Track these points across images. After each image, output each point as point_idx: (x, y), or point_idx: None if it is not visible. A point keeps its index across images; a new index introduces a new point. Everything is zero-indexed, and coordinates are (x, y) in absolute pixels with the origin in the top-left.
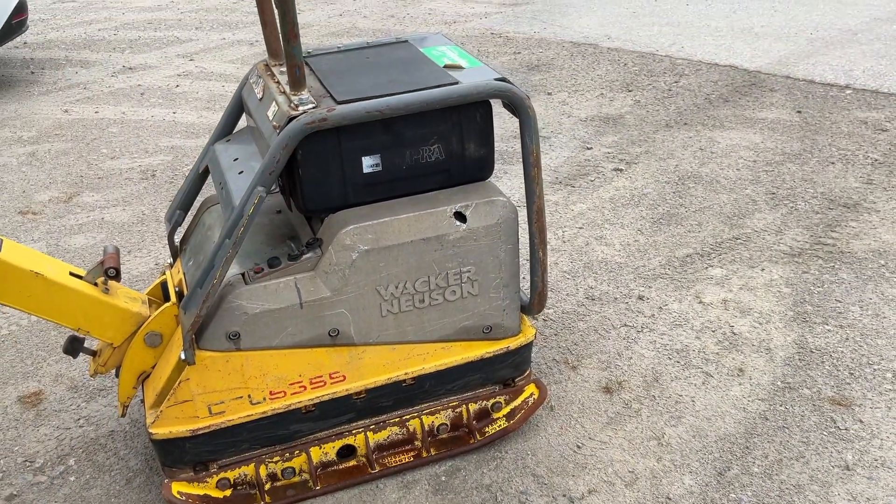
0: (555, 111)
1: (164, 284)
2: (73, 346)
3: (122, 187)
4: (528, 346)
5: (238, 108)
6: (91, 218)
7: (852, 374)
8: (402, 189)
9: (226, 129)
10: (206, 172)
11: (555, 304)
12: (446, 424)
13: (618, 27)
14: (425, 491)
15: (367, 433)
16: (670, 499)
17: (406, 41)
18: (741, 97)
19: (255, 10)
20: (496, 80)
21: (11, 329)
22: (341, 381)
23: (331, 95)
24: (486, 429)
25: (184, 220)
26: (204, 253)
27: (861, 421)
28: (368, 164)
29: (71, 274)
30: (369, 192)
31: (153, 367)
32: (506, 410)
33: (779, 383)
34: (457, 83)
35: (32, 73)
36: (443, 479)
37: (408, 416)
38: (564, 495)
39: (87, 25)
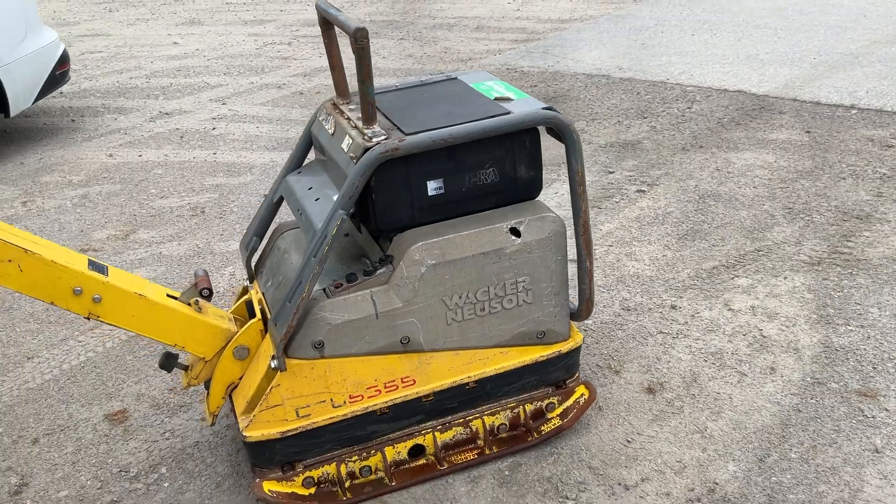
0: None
1: (248, 303)
2: (168, 362)
3: (175, 224)
4: (577, 350)
5: (307, 143)
6: (149, 253)
7: (875, 368)
8: (462, 209)
9: (297, 163)
10: (279, 202)
11: (594, 316)
12: (505, 424)
13: (628, 59)
14: (491, 484)
15: (435, 433)
16: (717, 483)
17: (455, 78)
18: (752, 120)
19: (279, 55)
20: (543, 108)
21: (89, 355)
22: (412, 384)
23: (398, 128)
24: (542, 427)
25: (259, 245)
26: (282, 273)
27: (886, 409)
28: (433, 187)
29: (167, 295)
30: (433, 212)
31: (240, 379)
32: (559, 410)
33: (808, 379)
34: (509, 113)
35: (73, 120)
36: (506, 473)
37: (471, 417)
38: (620, 484)
39: (119, 74)
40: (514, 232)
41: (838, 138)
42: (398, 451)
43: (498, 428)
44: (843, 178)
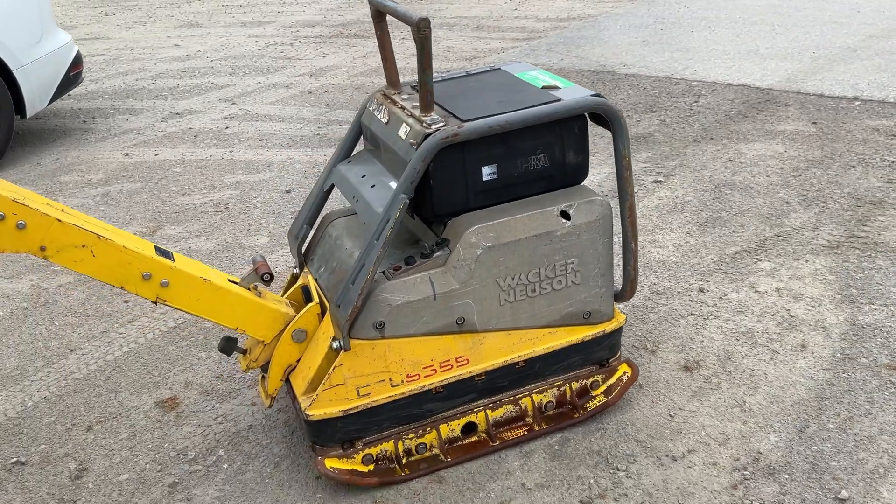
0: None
1: (304, 288)
2: (228, 345)
3: (200, 220)
4: (620, 330)
5: (357, 132)
6: (178, 248)
7: None
8: (514, 193)
9: (346, 152)
10: (329, 190)
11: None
12: (553, 402)
13: (631, 55)
14: (543, 458)
15: (487, 411)
16: (761, 453)
17: (499, 69)
18: (758, 112)
19: (282, 56)
20: (592, 96)
21: (131, 346)
22: (466, 364)
23: (454, 115)
24: (588, 404)
25: (308, 233)
26: (336, 259)
27: None
28: (487, 172)
29: (229, 280)
30: (487, 197)
31: (298, 361)
32: (603, 388)
33: (838, 355)
34: (559, 100)
35: (84, 122)
36: (556, 448)
37: (520, 395)
38: (667, 455)
39: (124, 76)
40: (565, 215)
41: (844, 128)
42: (452, 428)
43: (546, 405)
44: (853, 167)
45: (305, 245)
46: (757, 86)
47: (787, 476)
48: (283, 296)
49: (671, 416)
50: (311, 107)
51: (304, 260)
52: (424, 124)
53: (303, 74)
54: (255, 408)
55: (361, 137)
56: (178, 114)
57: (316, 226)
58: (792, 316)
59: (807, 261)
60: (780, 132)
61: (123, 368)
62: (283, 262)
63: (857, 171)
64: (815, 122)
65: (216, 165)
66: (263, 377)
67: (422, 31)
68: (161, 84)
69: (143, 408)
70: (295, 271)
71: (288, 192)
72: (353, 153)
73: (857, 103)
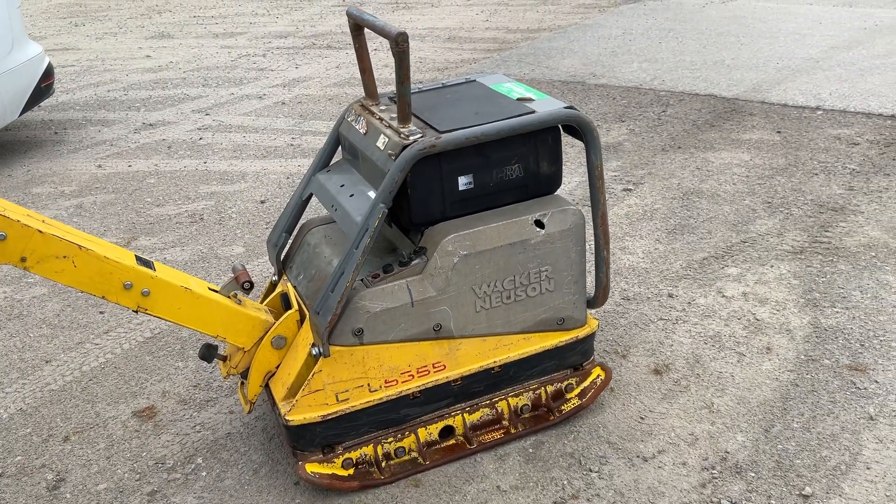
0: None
1: (283, 295)
2: (209, 352)
3: (175, 230)
4: (593, 335)
5: (335, 142)
6: (153, 258)
7: (863, 345)
8: (489, 203)
9: (324, 162)
10: (307, 200)
11: None
12: (528, 405)
13: (600, 66)
14: (518, 461)
15: (464, 415)
16: (728, 452)
17: (475, 80)
18: (725, 122)
19: (255, 67)
20: (565, 108)
21: (108, 357)
22: (442, 369)
23: (432, 127)
24: (563, 407)
25: (287, 241)
26: (315, 267)
27: (876, 381)
28: (463, 182)
29: (209, 289)
30: (463, 206)
31: (277, 367)
32: (577, 391)
33: (802, 357)
34: (534, 112)
35: (56, 133)
36: (530, 450)
37: (496, 399)
38: (638, 456)
39: (95, 88)
40: (539, 224)
41: (807, 137)
42: (430, 432)
43: (521, 408)
44: (816, 174)
45: (284, 253)
46: (723, 96)
47: (753, 474)
48: (261, 303)
49: (642, 418)
50: (284, 118)
51: (282, 268)
52: (402, 135)
53: (276, 85)
54: (233, 416)
55: (339, 147)
56: (151, 125)
57: (294, 234)
58: (758, 319)
59: (772, 266)
60: (745, 141)
61: (100, 379)
62: (259, 271)
63: (819, 179)
64: (779, 131)
65: (190, 176)
66: (243, 383)
67: (400, 45)
68: (133, 95)
69: (120, 418)
70: (273, 279)
71: (262, 202)
72: (332, 163)
73: (820, 113)
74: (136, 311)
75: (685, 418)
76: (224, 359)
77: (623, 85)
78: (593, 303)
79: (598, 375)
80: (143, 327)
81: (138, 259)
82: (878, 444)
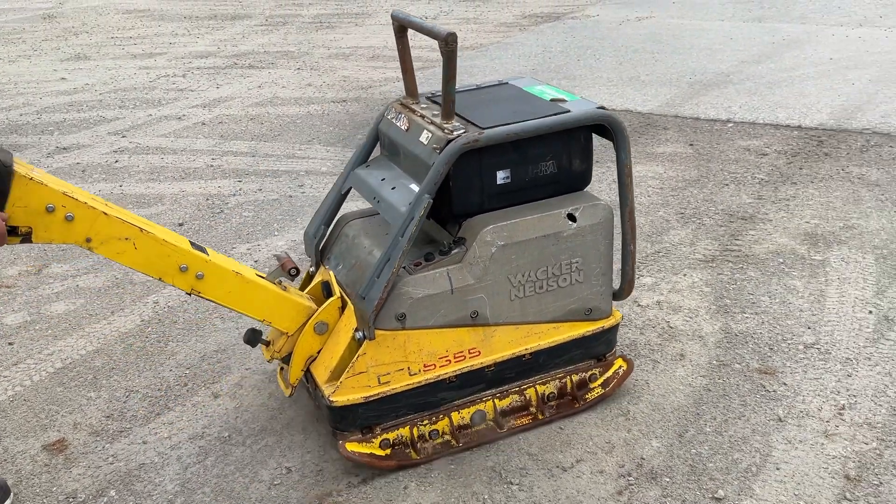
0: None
1: (325, 283)
2: (254, 337)
3: (89, 256)
4: (616, 326)
5: (374, 139)
6: (65, 286)
7: (771, 349)
8: (524, 197)
9: (364, 157)
10: (346, 193)
11: None
12: (555, 392)
13: None
14: (439, 477)
15: (495, 400)
16: (644, 458)
17: (507, 83)
18: (640, 136)
19: (174, 87)
20: (597, 108)
21: (17, 390)
22: (477, 355)
23: (473, 124)
24: (587, 395)
25: (325, 234)
26: (355, 257)
27: (785, 384)
28: (501, 176)
29: (256, 275)
30: (500, 199)
31: (318, 352)
32: (601, 380)
33: (714, 362)
34: (569, 111)
35: None
36: (452, 467)
37: (525, 386)
38: (557, 466)
39: (7, 111)
40: (571, 217)
41: (718, 149)
42: (462, 416)
43: (548, 396)
44: (727, 185)
45: (321, 245)
46: (638, 110)
47: (668, 479)
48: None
49: (561, 428)
50: (204, 138)
51: (319, 258)
52: (446, 130)
53: (196, 106)
54: (146, 446)
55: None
56: (64, 149)
57: (331, 227)
58: (671, 327)
59: (685, 275)
60: (659, 154)
61: (8, 413)
62: (180, 298)
63: (730, 189)
64: (691, 144)
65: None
66: (282, 369)
67: (449, 45)
68: (47, 118)
69: (29, 452)
70: (311, 269)
71: (181, 224)
72: (370, 158)
73: (730, 125)
74: (189, 294)
75: (602, 427)
76: (267, 343)
77: None
78: (619, 295)
79: (620, 366)
80: (55, 357)
81: (192, 244)
82: (786, 444)
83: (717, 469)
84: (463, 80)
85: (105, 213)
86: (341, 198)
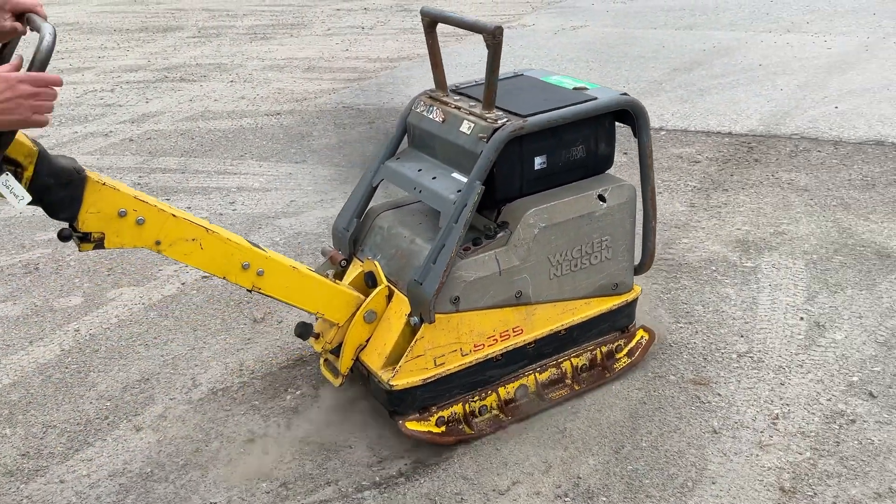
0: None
1: (368, 273)
2: (306, 330)
3: (6, 283)
4: (637, 299)
5: (403, 132)
6: None
7: (706, 359)
8: (557, 181)
9: (392, 150)
10: (376, 186)
11: None
12: (586, 364)
13: None
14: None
15: (535, 374)
16: (580, 477)
17: (523, 74)
18: None
19: (102, 103)
20: (621, 94)
21: None
22: (520, 333)
23: (513, 113)
24: (615, 365)
25: (357, 226)
26: (394, 247)
27: (719, 395)
28: (538, 162)
29: (308, 269)
30: (536, 184)
31: (367, 341)
32: (626, 350)
33: (650, 374)
34: (597, 98)
35: None
36: (385, 493)
37: (562, 360)
38: (494, 490)
39: None
40: (602, 198)
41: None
42: (508, 391)
43: (581, 368)
44: (660, 193)
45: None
46: None
47: (605, 498)
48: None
49: (497, 449)
50: (132, 155)
51: (352, 251)
52: (490, 120)
53: (124, 122)
54: (64, 485)
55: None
56: None
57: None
58: None
59: None
60: None
61: None
62: (98, 322)
63: (663, 198)
64: (625, 153)
65: (27, 223)
66: (326, 360)
67: (496, 38)
68: None
69: None
70: (343, 262)
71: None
72: (398, 151)
73: (663, 133)
74: (251, 291)
75: (539, 445)
76: (317, 336)
77: None
78: (640, 268)
79: (643, 336)
80: None
81: (250, 242)
82: (722, 457)
83: (653, 485)
84: (400, 91)
85: (174, 216)
86: (372, 191)
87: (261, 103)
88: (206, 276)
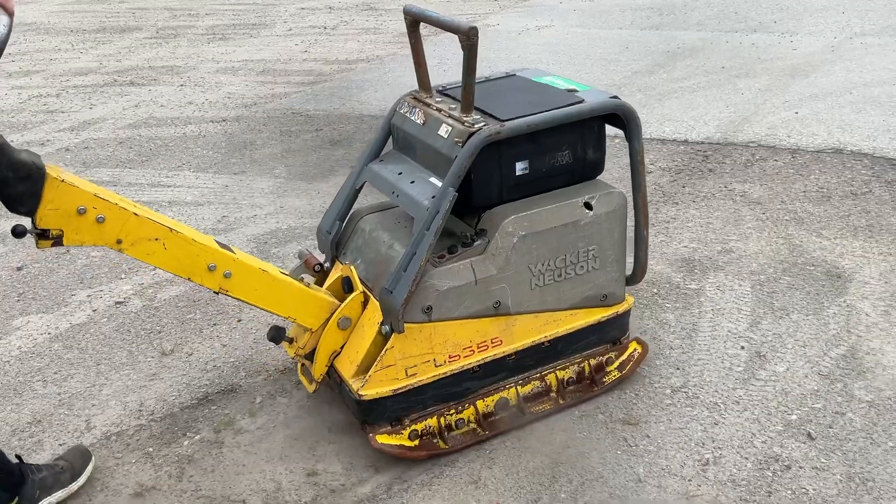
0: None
1: (345, 279)
2: (279, 334)
3: None
4: (629, 311)
5: (387, 134)
6: None
7: (637, 395)
8: (541, 187)
9: (376, 152)
10: (360, 189)
11: None
12: (573, 377)
13: None
14: None
15: (517, 387)
16: None
17: (515, 74)
18: None
19: (44, 109)
20: (611, 98)
21: None
22: (499, 344)
23: (492, 116)
24: (605, 379)
25: (340, 229)
26: (374, 251)
27: (648, 436)
28: (519, 168)
29: (280, 272)
30: (518, 190)
31: (341, 347)
32: (616, 364)
33: (576, 413)
34: (584, 101)
35: None
36: None
37: (546, 372)
38: None
39: None
40: (588, 206)
41: (608, 164)
42: (487, 404)
43: (567, 381)
44: None
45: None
46: None
47: None
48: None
49: (402, 503)
50: (65, 166)
51: (335, 254)
52: (467, 123)
53: (63, 129)
54: None
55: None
56: None
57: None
58: None
59: None
60: None
61: None
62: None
63: None
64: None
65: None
66: (303, 366)
67: (471, 39)
68: None
69: None
70: (326, 265)
71: (19, 269)
72: (383, 153)
73: (618, 140)
74: (217, 293)
75: (450, 497)
76: (290, 340)
77: None
78: (632, 279)
79: (635, 349)
80: None
81: (218, 243)
82: None
83: None
84: (352, 96)
85: (136, 214)
86: (355, 193)
87: (208, 109)
88: (119, 302)
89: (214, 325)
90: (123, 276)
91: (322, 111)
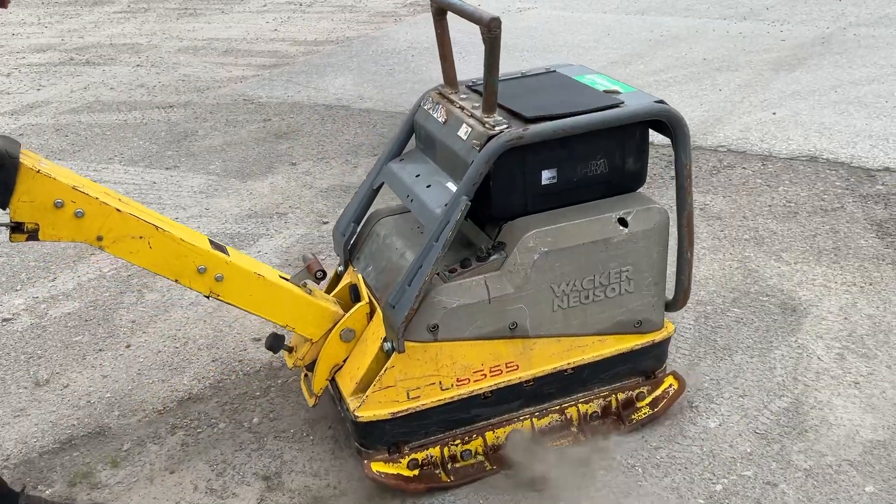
0: (297, 183)
1: (352, 287)
2: (277, 343)
3: None
4: (668, 340)
5: (409, 131)
6: None
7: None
8: (571, 199)
9: (398, 150)
10: (378, 189)
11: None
12: (598, 412)
13: (372, 86)
14: None
15: (533, 419)
16: None
17: (554, 70)
18: None
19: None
20: (655, 102)
21: None
22: (515, 369)
23: (518, 116)
24: (633, 416)
25: (355, 231)
26: (385, 259)
27: None
28: (546, 176)
29: (280, 277)
30: (545, 201)
31: (344, 360)
32: (648, 399)
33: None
34: (623, 105)
35: None
36: None
37: (566, 405)
38: None
39: None
40: (622, 222)
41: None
42: (497, 436)
43: (591, 415)
44: None
45: (351, 243)
46: None
47: None
48: (329, 294)
49: None
50: None
51: (349, 258)
52: (488, 125)
53: (4, 113)
54: None
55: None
56: None
57: (362, 224)
58: None
59: None
60: None
61: None
62: None
63: None
64: None
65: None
66: (307, 375)
67: (492, 32)
68: None
69: None
70: (339, 269)
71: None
72: (404, 151)
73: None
74: (208, 297)
75: None
76: (290, 350)
77: (389, 110)
78: (673, 305)
79: (671, 385)
80: None
81: (212, 243)
82: None
83: None
84: (311, 82)
85: (118, 210)
86: (373, 193)
87: (158, 93)
88: (7, 319)
89: (100, 350)
90: (20, 286)
91: (275, 99)
